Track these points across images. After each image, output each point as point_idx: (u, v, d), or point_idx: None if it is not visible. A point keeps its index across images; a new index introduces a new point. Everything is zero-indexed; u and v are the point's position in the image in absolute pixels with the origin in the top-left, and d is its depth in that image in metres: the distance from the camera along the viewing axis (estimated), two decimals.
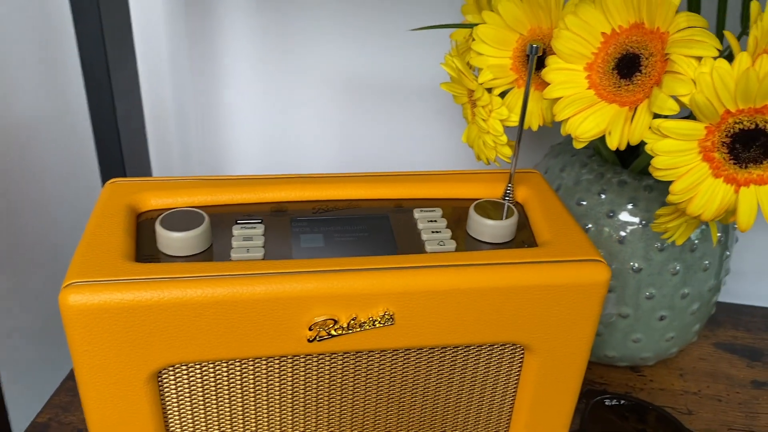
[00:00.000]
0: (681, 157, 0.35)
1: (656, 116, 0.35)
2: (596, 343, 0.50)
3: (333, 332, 0.34)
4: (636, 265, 0.46)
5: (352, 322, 0.34)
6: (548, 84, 0.39)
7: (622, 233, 0.46)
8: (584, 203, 0.47)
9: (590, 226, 0.47)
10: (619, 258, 0.46)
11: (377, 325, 0.35)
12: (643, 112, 0.35)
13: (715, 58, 0.33)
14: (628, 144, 0.36)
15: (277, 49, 0.63)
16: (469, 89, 0.43)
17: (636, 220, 0.46)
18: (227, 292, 0.33)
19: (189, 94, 0.66)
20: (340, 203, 0.41)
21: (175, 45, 0.64)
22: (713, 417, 0.50)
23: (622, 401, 0.48)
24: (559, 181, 0.50)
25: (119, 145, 0.55)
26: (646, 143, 0.35)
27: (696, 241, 0.46)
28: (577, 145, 0.37)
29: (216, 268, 0.34)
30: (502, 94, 0.43)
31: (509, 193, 0.41)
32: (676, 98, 0.34)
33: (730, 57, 0.35)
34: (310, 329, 0.34)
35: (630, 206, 0.46)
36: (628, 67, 0.36)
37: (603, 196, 0.47)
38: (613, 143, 0.36)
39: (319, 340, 0.35)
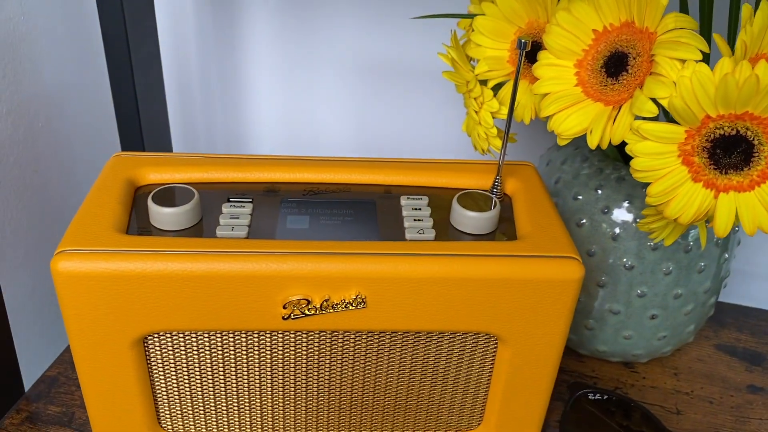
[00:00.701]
0: (660, 160, 0.34)
1: (639, 117, 0.35)
2: (587, 337, 0.51)
3: (307, 312, 0.36)
4: (628, 262, 0.46)
5: (325, 303, 0.36)
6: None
7: (616, 230, 0.46)
8: (580, 198, 0.47)
9: (585, 221, 0.47)
10: (611, 255, 0.46)
11: (349, 308, 0.36)
12: (625, 113, 0.35)
13: (698, 62, 0.33)
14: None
15: (297, 31, 0.64)
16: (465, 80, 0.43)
17: (630, 217, 0.45)
18: (205, 268, 0.34)
19: (213, 73, 0.68)
20: (332, 186, 0.42)
21: (201, 26, 0.66)
22: (701, 419, 0.49)
23: (606, 396, 0.48)
24: (559, 174, 0.50)
25: (138, 119, 0.57)
26: (627, 143, 0.35)
27: (691, 243, 0.46)
28: (561, 142, 0.38)
29: (197, 244, 0.35)
30: (499, 86, 0.43)
31: (497, 185, 0.41)
32: (656, 101, 0.34)
33: None
34: (284, 307, 0.36)
35: (626, 203, 0.46)
36: (615, 66, 0.36)
37: (599, 192, 0.46)
38: (593, 142, 0.36)
39: (293, 318, 0.36)
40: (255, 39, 0.66)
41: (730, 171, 0.34)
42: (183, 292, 0.35)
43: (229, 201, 0.40)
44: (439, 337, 0.39)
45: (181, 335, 0.37)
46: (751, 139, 0.33)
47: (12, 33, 0.55)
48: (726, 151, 0.34)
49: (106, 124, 0.68)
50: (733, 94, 0.31)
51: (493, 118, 0.42)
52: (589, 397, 0.48)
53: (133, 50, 0.55)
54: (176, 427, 0.41)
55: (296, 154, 0.44)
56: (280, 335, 0.38)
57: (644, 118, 0.34)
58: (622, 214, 0.46)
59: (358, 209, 0.40)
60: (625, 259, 0.46)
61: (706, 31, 0.40)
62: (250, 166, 0.42)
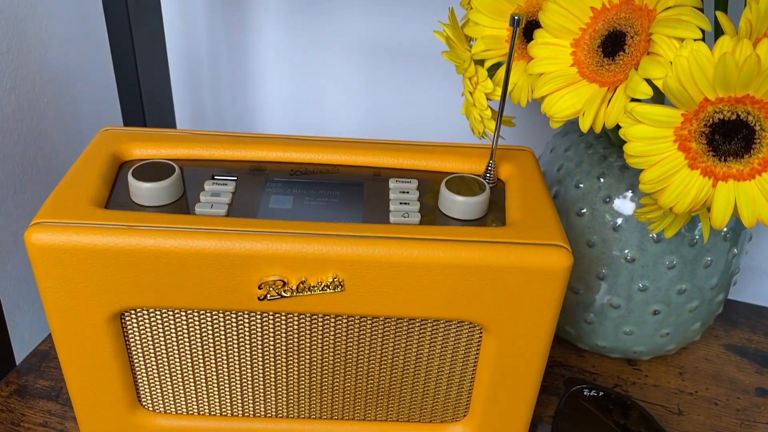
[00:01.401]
0: (655, 145, 0.33)
1: (635, 100, 0.33)
2: (586, 331, 0.49)
3: (283, 293, 0.35)
4: (629, 254, 0.44)
5: (302, 284, 0.35)
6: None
7: (618, 220, 0.44)
8: (582, 186, 0.45)
9: (585, 210, 0.45)
10: (612, 246, 0.44)
11: (327, 290, 0.35)
12: (620, 95, 0.33)
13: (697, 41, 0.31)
14: None
15: (305, 11, 0.63)
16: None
17: (633, 207, 0.44)
18: (179, 245, 0.34)
19: (222, 53, 0.67)
20: (321, 167, 0.41)
21: (209, 6, 0.65)
22: (704, 420, 0.47)
23: (601, 393, 0.46)
24: (561, 161, 0.48)
25: (140, 98, 0.57)
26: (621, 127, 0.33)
27: (697, 236, 0.43)
28: (553, 125, 0.36)
29: (173, 221, 0.35)
30: (497, 67, 0.41)
31: (490, 170, 0.40)
32: (651, 82, 0.32)
33: None
34: (259, 288, 0.35)
35: (629, 193, 0.44)
36: (613, 45, 0.34)
37: (602, 180, 0.45)
38: (585, 125, 0.34)
39: (269, 299, 0.35)
40: (263, 21, 0.65)
41: (730, 158, 0.32)
42: (157, 268, 0.34)
43: (213, 178, 0.39)
44: (421, 325, 0.38)
45: (158, 312, 0.37)
46: (752, 124, 0.31)
47: (16, 7, 0.55)
48: (725, 137, 0.32)
49: (112, 102, 0.68)
50: (732, 75, 0.29)
51: (489, 99, 0.41)
52: (585, 393, 0.46)
53: (135, 28, 0.54)
54: (156, 405, 0.41)
55: (299, 135, 0.43)
56: (258, 317, 0.37)
57: (640, 101, 0.33)
58: (624, 204, 0.44)
59: (345, 191, 0.39)
60: (626, 251, 0.44)
61: (721, 10, 0.38)
62: (239, 144, 0.41)
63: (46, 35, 0.59)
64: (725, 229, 0.44)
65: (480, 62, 0.41)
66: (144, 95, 0.57)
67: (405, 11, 0.60)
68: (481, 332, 0.38)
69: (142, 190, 0.36)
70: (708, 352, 0.54)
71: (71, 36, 0.62)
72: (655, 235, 0.43)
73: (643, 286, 0.45)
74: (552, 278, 0.35)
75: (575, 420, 0.45)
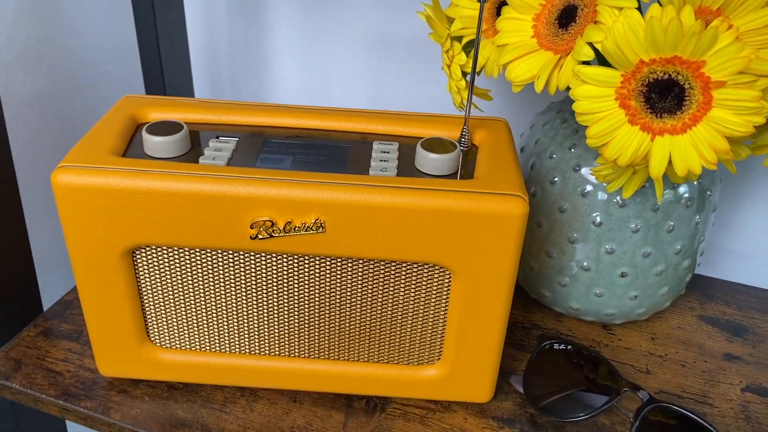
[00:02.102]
0: (599, 103, 0.37)
1: (584, 63, 0.37)
2: (561, 294, 0.53)
3: (272, 233, 0.40)
4: (597, 218, 0.48)
5: (288, 225, 0.40)
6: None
7: (587, 187, 0.48)
8: (555, 156, 0.49)
9: (557, 179, 0.49)
10: (581, 211, 0.48)
11: (310, 231, 0.40)
12: (570, 60, 0.38)
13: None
14: None
15: (316, 4, 0.68)
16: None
17: None
18: (182, 187, 0.39)
19: (240, 39, 0.73)
20: (315, 132, 0.46)
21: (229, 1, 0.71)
22: (670, 379, 0.51)
23: (570, 346, 0.50)
24: (539, 135, 0.52)
25: (163, 82, 0.63)
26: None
27: (659, 202, 0.47)
28: (515, 89, 0.40)
29: (178, 167, 0.40)
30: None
31: (464, 134, 0.44)
32: (593, 46, 0.36)
33: None
34: (251, 227, 0.40)
35: (596, 161, 0.48)
36: (567, 17, 0.39)
37: (573, 150, 0.49)
38: (539, 87, 0.38)
39: (260, 239, 0.40)
40: (278, 17, 0.70)
41: (665, 115, 0.36)
42: (163, 208, 0.39)
43: (217, 138, 0.44)
44: (396, 268, 0.42)
45: (165, 250, 0.42)
46: (682, 83, 0.35)
47: None
48: (661, 95, 0.36)
49: (137, 85, 0.74)
50: (659, 37, 0.33)
51: (465, 73, 0.45)
52: (555, 347, 0.50)
53: (159, 17, 0.60)
54: (162, 340, 0.46)
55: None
56: (252, 257, 0.42)
57: (586, 64, 0.37)
58: (591, 172, 0.48)
59: (333, 151, 0.44)
60: (594, 215, 0.48)
61: None
62: (244, 111, 0.47)
63: (79, 23, 0.65)
64: (687, 196, 0.48)
65: (458, 39, 0.46)
66: (166, 79, 0.63)
67: (408, 7, 0.65)
68: (450, 277, 0.42)
69: (154, 143, 0.42)
70: (681, 321, 0.57)
71: (101, 24, 0.68)
72: (619, 200, 0.47)
73: (609, 249, 0.49)
74: (510, 223, 0.39)
75: (546, 373, 0.49)
